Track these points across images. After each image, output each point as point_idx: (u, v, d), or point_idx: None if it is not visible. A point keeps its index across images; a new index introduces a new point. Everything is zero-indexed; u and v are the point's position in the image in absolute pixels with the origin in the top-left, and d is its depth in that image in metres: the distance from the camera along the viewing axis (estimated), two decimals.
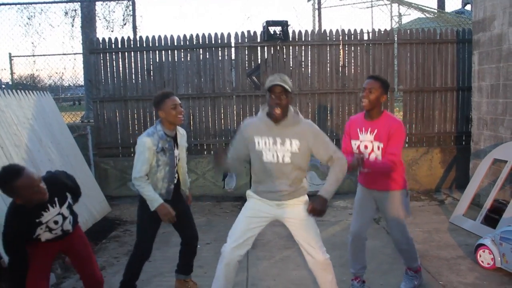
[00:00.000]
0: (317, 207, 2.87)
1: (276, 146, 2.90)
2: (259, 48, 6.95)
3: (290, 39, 6.89)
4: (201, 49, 6.95)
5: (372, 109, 3.26)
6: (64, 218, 2.93)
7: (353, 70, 6.99)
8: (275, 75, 2.91)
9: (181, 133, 3.52)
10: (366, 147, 3.30)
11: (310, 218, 3.01)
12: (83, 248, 3.13)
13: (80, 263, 3.14)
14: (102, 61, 6.96)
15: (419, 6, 12.12)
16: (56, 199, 2.85)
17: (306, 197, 3.12)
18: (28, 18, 8.32)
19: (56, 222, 2.86)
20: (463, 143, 7.08)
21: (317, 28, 7.70)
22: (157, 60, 6.95)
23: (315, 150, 2.94)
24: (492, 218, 4.81)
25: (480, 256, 4.01)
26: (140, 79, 6.99)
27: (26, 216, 2.71)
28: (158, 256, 4.46)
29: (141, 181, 3.25)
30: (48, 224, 2.83)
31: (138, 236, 3.44)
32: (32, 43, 9.56)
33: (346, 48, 6.98)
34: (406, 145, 7.12)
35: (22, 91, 5.30)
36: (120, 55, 6.95)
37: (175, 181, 3.47)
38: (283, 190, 2.99)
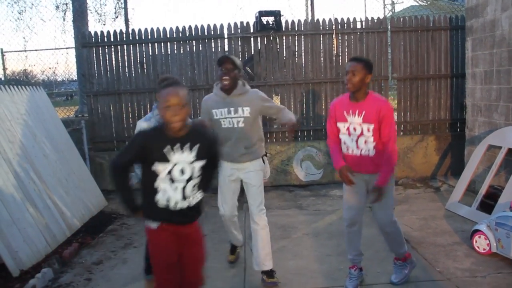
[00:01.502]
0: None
1: (231, 114, 3.44)
2: (252, 38, 6.92)
3: (283, 29, 6.85)
4: (194, 41, 6.91)
5: (358, 91, 3.19)
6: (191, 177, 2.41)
7: (346, 59, 6.95)
8: (226, 53, 3.40)
9: None
10: (355, 129, 3.25)
11: (260, 185, 3.58)
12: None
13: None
14: (94, 55, 6.91)
15: None
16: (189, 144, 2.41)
17: (261, 162, 3.63)
18: (19, 13, 8.27)
19: (182, 172, 2.38)
20: (458, 130, 7.10)
21: (310, 18, 7.66)
22: (150, 53, 6.91)
23: (265, 110, 3.59)
24: (488, 204, 4.84)
25: (476, 242, 4.03)
26: (133, 72, 6.95)
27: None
28: None
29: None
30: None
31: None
32: (24, 38, 9.51)
33: (340, 37, 6.96)
34: (401, 133, 7.14)
35: (15, 86, 5.25)
36: (112, 48, 6.90)
37: None
38: (240, 152, 3.51)
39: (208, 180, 2.55)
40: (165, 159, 2.32)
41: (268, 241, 3.59)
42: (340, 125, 3.33)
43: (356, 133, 3.25)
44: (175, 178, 2.35)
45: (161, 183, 2.35)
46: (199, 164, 2.40)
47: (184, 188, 2.37)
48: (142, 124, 3.24)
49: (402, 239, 3.49)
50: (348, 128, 3.28)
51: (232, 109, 3.44)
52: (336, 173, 3.44)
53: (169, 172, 2.33)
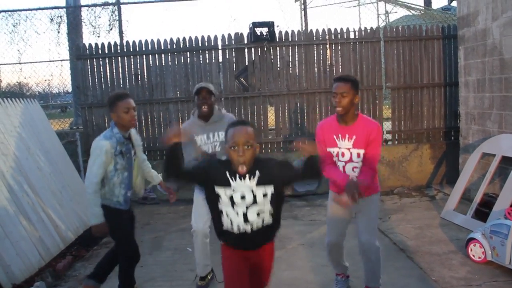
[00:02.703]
0: None
1: (210, 140, 3.64)
2: (246, 49, 6.95)
3: (277, 40, 6.89)
4: (188, 52, 6.94)
5: (347, 113, 3.05)
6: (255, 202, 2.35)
7: (340, 69, 7.00)
8: (201, 83, 3.69)
9: (133, 132, 3.46)
10: (343, 154, 3.11)
11: None
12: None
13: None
14: (89, 67, 6.92)
15: (405, 3, 12.20)
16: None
17: None
18: (13, 26, 8.24)
19: (243, 197, 2.34)
20: (452, 138, 7.13)
21: (303, 28, 7.71)
22: (145, 65, 6.93)
23: None
24: (483, 212, 4.84)
25: (471, 250, 4.03)
26: (128, 84, 6.96)
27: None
28: (150, 261, 4.44)
29: (97, 188, 3.13)
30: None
31: (121, 243, 3.36)
32: (18, 50, 9.42)
33: (333, 47, 7.00)
34: (396, 142, 7.16)
35: (9, 99, 5.24)
36: (107, 60, 6.92)
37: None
38: None
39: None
40: (226, 184, 2.33)
41: None
42: (331, 150, 3.16)
43: (344, 159, 3.11)
44: (236, 202, 2.34)
45: (224, 207, 2.37)
46: (263, 190, 2.34)
47: (245, 213, 2.34)
48: (103, 143, 3.14)
49: (380, 268, 3.28)
50: (337, 154, 3.15)
51: (211, 134, 3.64)
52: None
53: (231, 198, 2.34)
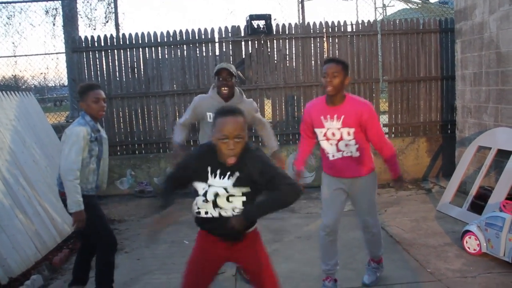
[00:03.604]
0: None
1: None
2: (243, 42, 6.93)
3: (274, 33, 6.87)
4: (184, 45, 6.91)
5: (336, 94, 3.07)
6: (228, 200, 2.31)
7: None
8: (221, 63, 3.60)
9: (99, 126, 3.41)
10: (333, 134, 3.13)
11: None
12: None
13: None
14: (85, 59, 6.89)
15: None
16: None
17: None
18: (8, 18, 8.17)
19: (216, 195, 2.28)
20: (449, 131, 7.14)
21: (300, 21, 7.69)
22: (141, 57, 6.90)
23: (253, 121, 3.78)
24: (478, 205, 4.86)
25: (466, 242, 4.05)
26: (124, 77, 6.93)
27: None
28: (147, 254, 4.45)
29: (77, 175, 3.06)
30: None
31: (100, 231, 3.27)
32: (13, 43, 9.36)
33: (330, 40, 6.98)
34: (393, 135, 7.16)
35: (4, 92, 5.21)
36: (103, 53, 6.89)
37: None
38: None
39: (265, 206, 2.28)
40: (204, 179, 2.27)
41: None
42: (317, 131, 3.21)
43: (335, 138, 3.15)
44: (209, 198, 2.27)
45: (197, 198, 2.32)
46: (238, 190, 2.25)
47: (215, 200, 2.27)
48: (80, 129, 3.11)
49: (381, 240, 3.50)
50: (325, 134, 3.17)
51: None
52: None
53: (204, 192, 2.28)
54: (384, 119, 7.28)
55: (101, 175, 3.42)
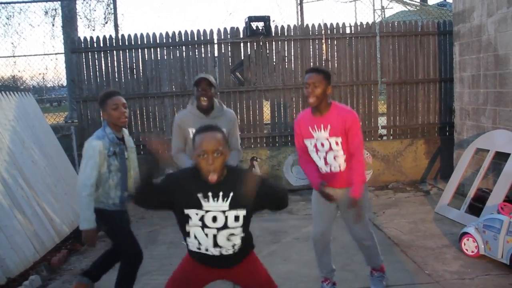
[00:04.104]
0: None
1: None
2: (242, 44, 6.93)
3: (273, 34, 6.88)
4: (183, 46, 6.91)
5: (320, 104, 3.02)
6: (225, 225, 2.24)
7: (336, 64, 7.01)
8: (201, 73, 3.53)
9: (127, 133, 3.34)
10: (322, 145, 3.07)
11: None
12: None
13: None
14: (84, 60, 6.88)
15: None
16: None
17: None
18: (7, 18, 8.18)
19: (214, 220, 2.22)
20: (447, 133, 7.16)
21: (299, 23, 7.71)
22: (140, 58, 6.90)
23: (229, 133, 3.54)
24: (476, 207, 4.88)
25: (464, 244, 4.06)
26: (123, 77, 6.93)
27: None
28: (145, 254, 4.40)
29: (91, 191, 2.99)
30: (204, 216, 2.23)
31: (124, 247, 3.21)
32: (12, 43, 9.37)
33: (329, 42, 7.00)
34: (391, 137, 7.18)
35: (3, 92, 5.21)
36: (102, 54, 6.88)
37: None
38: None
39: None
40: (197, 206, 2.20)
41: None
42: (307, 142, 3.15)
43: (324, 149, 3.09)
44: (207, 224, 2.20)
45: (192, 228, 2.24)
46: (235, 213, 2.20)
47: (215, 236, 2.22)
48: (96, 144, 3.01)
49: (378, 249, 3.38)
50: (315, 145, 3.12)
51: None
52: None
53: (201, 219, 2.20)
54: (382, 121, 7.30)
55: (129, 184, 3.28)
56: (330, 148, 3.06)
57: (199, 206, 2.19)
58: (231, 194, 2.19)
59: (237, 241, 2.27)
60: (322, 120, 3.05)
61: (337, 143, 3.04)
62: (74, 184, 5.68)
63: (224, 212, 2.19)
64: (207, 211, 2.19)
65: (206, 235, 2.22)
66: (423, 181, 7.02)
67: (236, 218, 2.21)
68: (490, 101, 5.39)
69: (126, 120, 3.14)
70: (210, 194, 2.18)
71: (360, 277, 3.71)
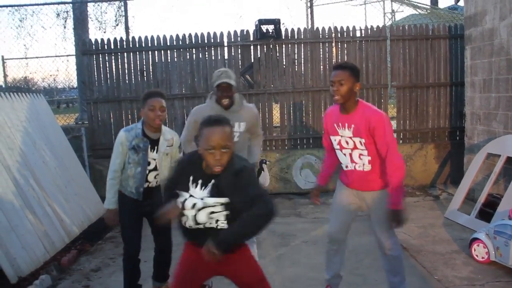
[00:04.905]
0: None
1: None
2: (252, 46, 6.95)
3: (283, 37, 6.89)
4: (194, 49, 6.94)
5: (347, 102, 2.89)
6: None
7: None
8: (221, 71, 3.54)
9: (167, 137, 3.31)
10: (347, 142, 2.97)
11: None
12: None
13: None
14: (95, 62, 6.94)
15: (412, 2, 12.15)
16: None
17: None
18: (20, 20, 8.29)
19: (193, 206, 2.25)
20: (457, 138, 7.11)
21: (309, 26, 7.71)
22: (150, 61, 6.94)
23: (251, 128, 3.71)
24: (487, 212, 4.83)
25: (474, 250, 4.03)
26: (133, 79, 6.98)
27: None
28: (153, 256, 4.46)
29: (115, 176, 3.23)
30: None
31: (122, 238, 3.37)
32: (25, 45, 9.50)
33: (339, 45, 6.99)
34: (401, 141, 7.15)
35: (15, 93, 5.28)
36: (113, 56, 6.94)
37: (147, 185, 3.27)
38: None
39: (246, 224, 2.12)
40: (185, 189, 2.23)
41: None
42: (332, 138, 3.07)
43: (349, 147, 2.98)
44: (186, 208, 2.22)
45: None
46: (214, 201, 2.18)
47: (195, 216, 2.21)
48: (120, 134, 3.21)
49: (402, 267, 3.10)
50: (339, 142, 3.03)
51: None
52: (335, 181, 3.32)
53: (183, 202, 2.23)
54: (392, 124, 7.26)
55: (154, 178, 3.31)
56: (355, 147, 2.95)
57: (187, 189, 2.22)
58: (212, 181, 2.19)
59: (221, 218, 2.20)
60: (347, 119, 2.94)
61: (361, 143, 2.92)
62: (84, 185, 5.75)
63: (202, 199, 2.19)
64: (190, 196, 2.21)
65: (187, 216, 2.23)
66: (433, 185, 6.98)
67: (216, 203, 2.18)
68: (502, 106, 5.34)
69: (159, 123, 3.17)
70: (200, 181, 2.20)
71: (369, 281, 3.70)
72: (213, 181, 2.18)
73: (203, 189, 2.20)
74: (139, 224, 3.34)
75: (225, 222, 2.20)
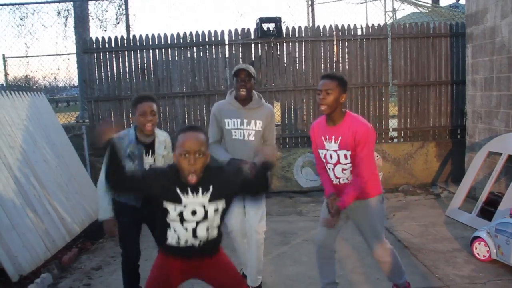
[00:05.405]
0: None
1: (243, 126, 3.41)
2: (253, 45, 6.94)
3: (284, 36, 6.88)
4: (194, 47, 6.94)
5: (333, 113, 2.87)
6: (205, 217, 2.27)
7: (347, 66, 6.99)
8: (240, 64, 3.49)
9: (161, 139, 3.23)
10: (331, 156, 2.94)
11: None
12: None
13: None
14: (96, 60, 6.94)
15: (413, 0, 12.13)
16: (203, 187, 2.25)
17: None
18: (21, 19, 8.28)
19: (194, 213, 2.24)
20: (458, 136, 7.10)
21: (310, 24, 7.70)
22: (151, 59, 6.94)
23: (266, 130, 3.51)
24: (488, 211, 4.83)
25: (476, 248, 4.02)
26: (134, 78, 6.97)
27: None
28: (155, 254, 4.44)
29: (106, 186, 3.09)
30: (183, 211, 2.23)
31: (120, 244, 3.25)
32: (25, 44, 9.50)
33: (340, 44, 6.98)
34: (402, 140, 7.14)
35: (16, 92, 5.27)
36: (114, 54, 6.93)
37: None
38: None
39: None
40: (176, 200, 2.20)
41: (261, 256, 3.53)
42: (319, 151, 3.03)
43: (332, 161, 2.95)
44: (186, 219, 2.22)
45: (172, 222, 2.23)
46: (215, 206, 2.24)
47: (194, 229, 2.23)
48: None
49: (401, 268, 3.16)
50: (325, 156, 2.99)
51: (245, 120, 3.40)
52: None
53: (180, 214, 2.20)
54: (393, 123, 7.27)
55: None
56: (338, 161, 2.93)
57: (178, 200, 2.19)
58: (211, 187, 2.21)
59: (214, 232, 2.30)
60: (334, 131, 2.91)
61: (345, 156, 2.89)
62: (85, 184, 5.75)
63: (203, 206, 2.21)
64: (185, 206, 2.19)
65: (186, 229, 2.23)
66: (434, 184, 6.97)
67: (216, 211, 2.24)
68: (503, 104, 5.34)
69: (151, 128, 3.07)
70: (188, 188, 2.19)
71: (371, 279, 3.70)
72: (211, 187, 2.21)
73: (201, 194, 2.21)
74: (138, 231, 3.27)
75: (217, 232, 2.32)
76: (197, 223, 2.23)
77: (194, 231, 2.23)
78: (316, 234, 3.26)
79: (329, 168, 3.01)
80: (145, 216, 3.20)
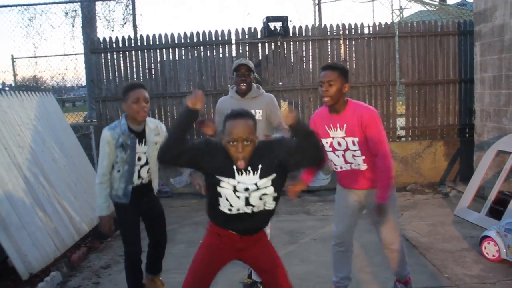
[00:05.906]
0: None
1: None
2: (259, 44, 6.95)
3: (291, 35, 6.88)
4: (201, 47, 6.95)
5: (335, 103, 2.87)
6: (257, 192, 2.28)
7: (354, 64, 6.97)
8: (239, 59, 3.59)
9: (151, 127, 3.22)
10: (339, 144, 2.93)
11: None
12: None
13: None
14: (103, 60, 6.97)
15: None
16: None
17: None
18: (29, 20, 8.34)
19: (246, 190, 2.26)
20: (467, 135, 7.06)
21: (317, 23, 7.68)
22: (158, 59, 6.96)
23: (271, 117, 3.62)
24: (497, 210, 4.79)
25: (485, 248, 4.00)
26: (141, 77, 7.00)
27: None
28: None
29: (103, 180, 3.08)
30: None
31: (123, 242, 3.27)
32: (34, 44, 9.56)
33: (347, 42, 6.96)
34: (410, 139, 7.11)
35: (25, 92, 5.31)
36: (121, 54, 6.96)
37: (141, 182, 3.21)
38: None
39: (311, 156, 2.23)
40: (231, 175, 2.23)
41: None
42: (323, 141, 2.98)
43: (341, 148, 2.95)
44: (239, 190, 2.24)
45: (223, 190, 2.26)
46: (265, 180, 2.25)
47: (247, 198, 2.26)
48: (105, 133, 3.05)
49: (405, 259, 3.19)
50: (331, 144, 2.98)
51: None
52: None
53: (233, 186, 2.24)
54: (401, 122, 7.24)
55: (144, 176, 3.23)
56: (347, 148, 2.93)
57: (233, 176, 2.22)
58: (260, 166, 2.23)
59: (269, 200, 2.30)
60: (338, 119, 2.91)
61: (353, 143, 2.89)
62: (93, 183, 5.76)
63: (255, 183, 2.24)
64: (238, 182, 2.23)
65: (238, 197, 2.25)
66: (442, 183, 6.93)
67: (267, 182, 2.25)
68: None
69: (145, 115, 3.06)
70: (241, 170, 2.22)
71: (379, 278, 3.69)
72: (260, 165, 2.22)
73: (252, 174, 2.23)
74: (138, 226, 3.29)
75: (273, 203, 2.32)
76: (250, 193, 2.25)
77: (247, 199, 2.26)
78: (334, 229, 3.24)
79: (337, 155, 3.00)
80: (143, 210, 3.26)
